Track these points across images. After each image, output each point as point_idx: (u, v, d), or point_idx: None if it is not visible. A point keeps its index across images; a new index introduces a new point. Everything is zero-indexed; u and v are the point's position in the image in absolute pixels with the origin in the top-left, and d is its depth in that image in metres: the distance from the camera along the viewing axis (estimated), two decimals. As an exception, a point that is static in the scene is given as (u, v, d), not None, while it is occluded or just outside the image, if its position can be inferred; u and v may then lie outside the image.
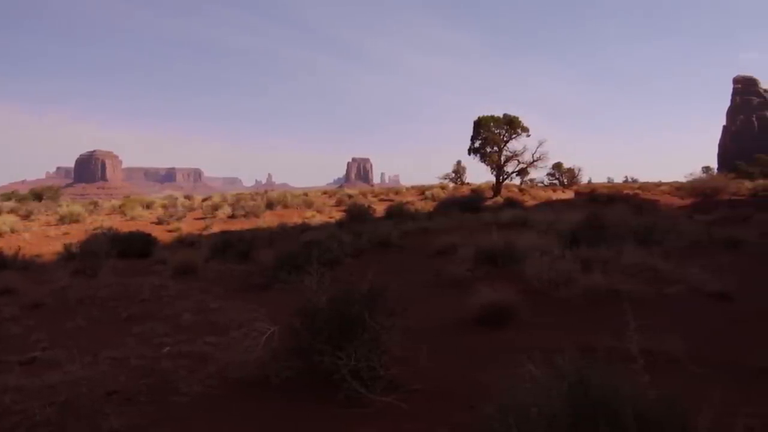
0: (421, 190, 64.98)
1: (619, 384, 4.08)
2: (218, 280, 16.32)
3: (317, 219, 42.64)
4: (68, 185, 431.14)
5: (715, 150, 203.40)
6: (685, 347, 7.55)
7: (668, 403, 4.01)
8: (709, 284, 11.51)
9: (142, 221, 40.70)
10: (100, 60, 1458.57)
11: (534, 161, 61.41)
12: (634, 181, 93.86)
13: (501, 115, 62.16)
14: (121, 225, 36.30)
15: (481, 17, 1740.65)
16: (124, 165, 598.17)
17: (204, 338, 9.69)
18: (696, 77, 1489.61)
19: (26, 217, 41.30)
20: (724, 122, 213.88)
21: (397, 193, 66.81)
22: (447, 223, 28.01)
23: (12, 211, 43.32)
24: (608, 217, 19.38)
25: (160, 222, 40.88)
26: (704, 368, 7.13)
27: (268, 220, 41.62)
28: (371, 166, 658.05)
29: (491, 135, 61.31)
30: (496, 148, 61.63)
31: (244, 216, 43.45)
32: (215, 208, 47.27)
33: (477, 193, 58.00)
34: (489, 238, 16.41)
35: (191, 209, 48.93)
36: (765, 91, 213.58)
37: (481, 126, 61.97)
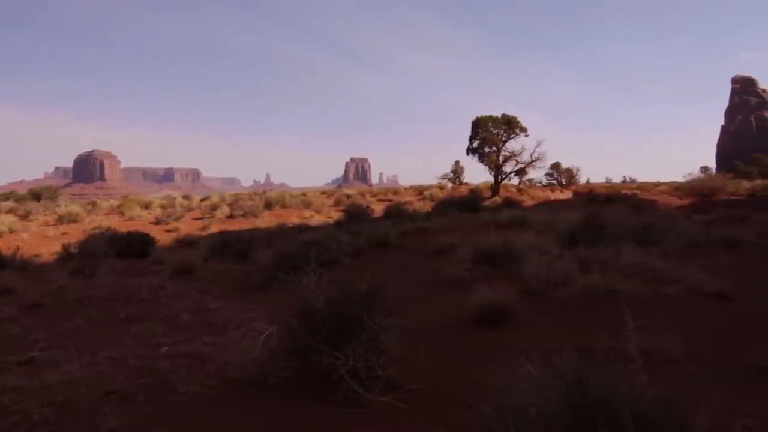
0: (420, 190, 64.91)
1: (617, 384, 4.08)
2: (217, 280, 16.32)
3: (316, 219, 42.65)
4: (66, 185, 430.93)
5: (714, 150, 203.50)
6: (683, 347, 7.56)
7: (667, 403, 4.01)
8: (707, 284, 11.52)
9: (140, 221, 40.67)
10: (98, 60, 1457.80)
11: (532, 161, 61.45)
12: (633, 181, 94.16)
13: (499, 115, 62.17)
14: (120, 225, 36.28)
15: (480, 17, 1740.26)
16: (123, 165, 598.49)
17: (202, 338, 9.69)
18: (695, 77, 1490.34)
19: (25, 217, 41.28)
20: (722, 122, 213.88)
21: (395, 193, 66.78)
22: (445, 223, 28.00)
23: (10, 211, 43.29)
24: (606, 217, 19.39)
25: (158, 222, 40.86)
26: (703, 368, 7.13)
27: (267, 220, 41.61)
28: (369, 166, 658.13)
29: (489, 135, 61.31)
30: (494, 148, 61.64)
31: (243, 216, 43.43)
32: (213, 208, 47.25)
33: (475, 193, 57.91)
34: (487, 238, 16.41)
35: (189, 209, 48.89)
36: (763, 91, 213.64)
37: (479, 126, 61.98)
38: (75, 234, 32.03)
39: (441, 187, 67.65)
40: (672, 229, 20.16)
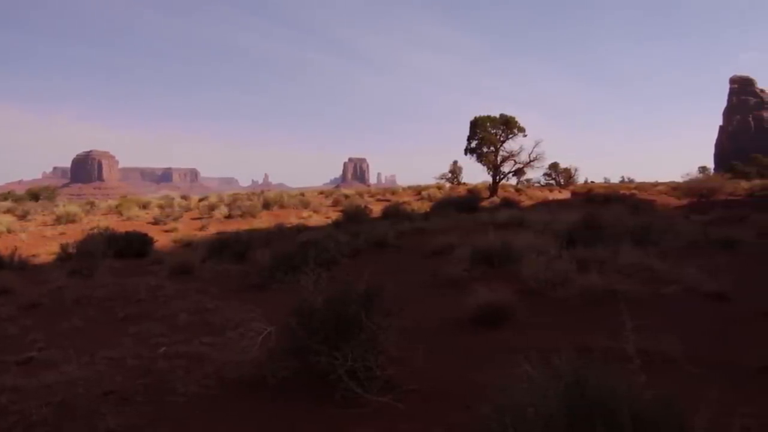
0: (418, 190, 64.80)
1: (615, 384, 4.08)
2: (215, 281, 16.30)
3: (314, 219, 42.60)
4: (65, 185, 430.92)
5: (712, 150, 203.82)
6: (681, 347, 7.56)
7: (665, 404, 4.01)
8: (705, 284, 11.51)
9: (138, 221, 40.58)
10: (97, 60, 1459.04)
11: (530, 161, 61.39)
12: (631, 181, 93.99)
13: (497, 115, 62.14)
14: (118, 225, 36.18)
15: (479, 17, 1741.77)
16: (121, 165, 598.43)
17: (200, 338, 9.69)
18: (693, 77, 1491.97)
19: (23, 217, 41.21)
20: (720, 122, 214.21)
21: (393, 193, 66.67)
22: (443, 223, 27.97)
23: (8, 211, 43.25)
24: (605, 217, 19.41)
25: (156, 222, 40.77)
26: (701, 368, 7.13)
27: (265, 220, 41.58)
28: (368, 166, 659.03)
29: (488, 135, 61.22)
30: (492, 148, 61.55)
31: (241, 216, 43.37)
32: (212, 208, 47.15)
33: (473, 194, 57.90)
34: (485, 238, 16.41)
35: (188, 209, 48.77)
36: (762, 91, 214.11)
37: (477, 126, 61.91)
38: (73, 234, 31.95)
39: (439, 187, 67.53)
40: (670, 229, 20.16)
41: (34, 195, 60.42)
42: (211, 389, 7.19)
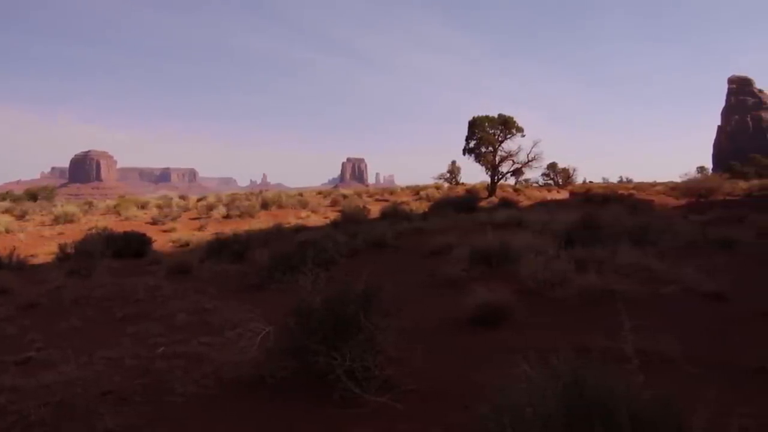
0: (416, 191, 64.78)
1: (614, 384, 4.08)
2: (213, 281, 16.29)
3: (312, 219, 42.59)
4: (63, 185, 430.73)
5: (710, 150, 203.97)
6: (680, 347, 7.57)
7: (663, 404, 4.02)
8: (704, 284, 11.51)
9: (136, 221, 40.55)
10: (95, 60, 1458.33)
11: (529, 161, 61.39)
12: (629, 181, 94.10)
13: (496, 115, 62.11)
14: (116, 225, 36.17)
15: (478, 17, 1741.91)
16: (119, 165, 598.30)
17: (199, 338, 9.69)
18: (692, 78, 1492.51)
19: (21, 217, 41.19)
20: (719, 122, 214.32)
21: (391, 193, 66.65)
22: (442, 223, 27.92)
23: (7, 211, 43.22)
24: (603, 217, 19.41)
25: (154, 222, 40.76)
26: (699, 368, 7.14)
27: (263, 220, 41.54)
28: (366, 166, 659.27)
29: (486, 135, 61.21)
30: (491, 148, 61.54)
31: (239, 216, 43.35)
32: (210, 208, 47.12)
33: (472, 194, 57.90)
34: (484, 238, 16.40)
35: (186, 209, 48.74)
36: (760, 91, 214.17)
37: (475, 126, 61.89)
38: (71, 234, 31.92)
39: (437, 187, 67.52)
40: (668, 229, 20.17)
41: (32, 195, 60.41)
42: (209, 389, 7.18)
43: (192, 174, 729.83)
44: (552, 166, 77.53)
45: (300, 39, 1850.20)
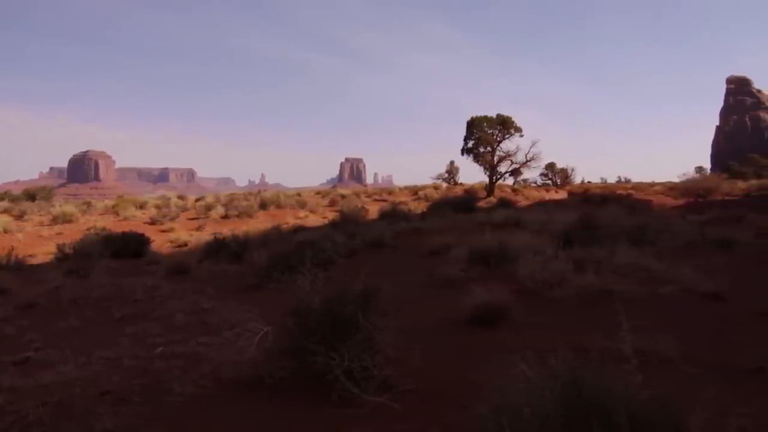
0: (414, 191, 64.72)
1: (612, 384, 4.09)
2: (211, 281, 16.27)
3: (311, 219, 42.55)
4: (61, 185, 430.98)
5: (708, 150, 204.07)
6: (678, 347, 7.58)
7: (661, 404, 4.02)
8: (702, 284, 11.53)
9: (135, 221, 40.50)
10: (93, 60, 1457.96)
11: (527, 161, 61.38)
12: (627, 181, 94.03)
13: (494, 116, 62.10)
14: (115, 225, 36.19)
15: (478, 17, 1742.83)
16: (117, 165, 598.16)
17: (197, 338, 9.68)
18: (691, 78, 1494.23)
19: (19, 217, 41.12)
20: (717, 122, 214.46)
21: (390, 193, 66.61)
22: (440, 223, 27.92)
23: (5, 211, 43.16)
24: (601, 217, 19.42)
25: (153, 222, 40.70)
26: (697, 368, 7.15)
27: (262, 220, 41.52)
28: (364, 166, 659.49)
29: (484, 135, 61.18)
30: (489, 149, 61.51)
31: (238, 216, 43.31)
32: (208, 208, 47.04)
33: (470, 194, 57.91)
34: (482, 238, 16.40)
35: (184, 209, 48.68)
36: (758, 91, 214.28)
37: (474, 126, 61.87)
38: (70, 234, 31.88)
39: (436, 188, 67.43)
40: (667, 229, 20.18)
41: (30, 195, 60.29)
42: (208, 389, 7.19)
43: (190, 174, 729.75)
44: (550, 166, 77.48)
45: (299, 39, 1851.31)
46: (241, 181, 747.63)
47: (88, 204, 53.03)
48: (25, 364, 8.77)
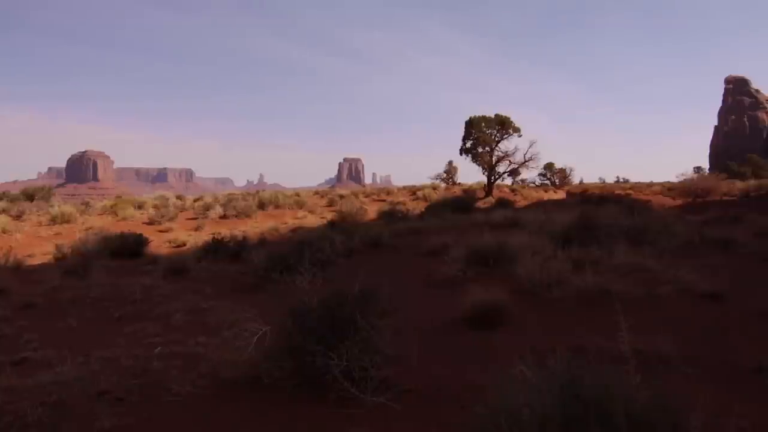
0: (413, 191, 64.72)
1: (610, 384, 4.09)
2: (210, 281, 16.26)
3: (309, 219, 42.52)
4: (60, 185, 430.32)
5: (707, 150, 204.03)
6: (676, 347, 7.59)
7: (660, 404, 4.02)
8: (700, 284, 11.53)
9: (133, 221, 40.43)
10: (92, 60, 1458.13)
11: (525, 161, 61.45)
12: (626, 181, 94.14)
13: (493, 116, 62.14)
14: (113, 225, 36.14)
15: (478, 18, 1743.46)
16: (116, 165, 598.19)
17: (195, 338, 9.68)
18: (690, 78, 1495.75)
19: (18, 217, 41.03)
20: (715, 122, 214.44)
21: (388, 193, 66.58)
22: (439, 223, 27.93)
23: (3, 211, 43.05)
24: (600, 217, 19.39)
25: (151, 222, 40.62)
26: (696, 368, 7.16)
27: (260, 220, 41.52)
28: (363, 166, 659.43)
29: (483, 135, 61.23)
30: (487, 149, 61.58)
31: (236, 216, 43.26)
32: (207, 208, 46.93)
33: (469, 194, 57.92)
34: (481, 238, 16.39)
35: (183, 209, 48.61)
36: (757, 91, 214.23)
37: (472, 126, 61.91)
38: (68, 234, 31.87)
39: (434, 188, 67.41)
40: (665, 229, 20.15)
41: (29, 195, 60.19)
42: (206, 389, 7.18)
43: (189, 174, 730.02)
44: (549, 167, 77.50)
45: (298, 39, 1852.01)
46: (240, 181, 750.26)
47: (87, 204, 53.00)
48: (23, 364, 8.75)
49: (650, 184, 72.39)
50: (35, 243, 30.14)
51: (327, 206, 51.69)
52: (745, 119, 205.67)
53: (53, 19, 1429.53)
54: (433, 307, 11.35)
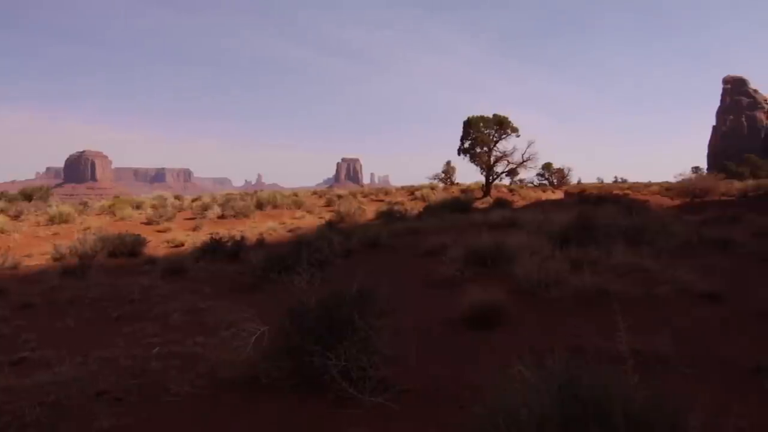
0: (411, 191, 64.71)
1: (609, 384, 4.09)
2: (208, 281, 16.25)
3: (307, 219, 42.50)
4: (58, 185, 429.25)
5: (705, 150, 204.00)
6: (674, 347, 7.59)
7: (658, 404, 4.02)
8: (698, 284, 11.52)
9: (131, 221, 40.39)
10: (91, 60, 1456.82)
11: (524, 161, 61.50)
12: (624, 181, 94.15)
13: (491, 116, 62.16)
14: (111, 225, 36.13)
15: (477, 18, 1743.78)
16: (114, 165, 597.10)
17: (194, 338, 9.68)
18: (689, 78, 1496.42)
19: (16, 217, 40.99)
20: (713, 122, 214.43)
21: (386, 193, 66.53)
22: (437, 223, 27.92)
23: (2, 211, 43.02)
24: (598, 217, 19.39)
25: (149, 222, 40.58)
26: (694, 368, 7.16)
27: (258, 220, 41.49)
28: (361, 166, 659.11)
29: (481, 135, 61.28)
30: (485, 149, 61.63)
31: (234, 216, 43.23)
32: (205, 208, 46.89)
33: (467, 194, 57.92)
34: (479, 238, 16.39)
35: (181, 209, 48.59)
36: (755, 91, 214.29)
37: (470, 126, 61.94)
38: (66, 234, 31.82)
39: (432, 188, 67.41)
40: (663, 229, 20.15)
41: (27, 195, 60.12)
42: (204, 389, 7.18)
43: (187, 174, 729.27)
44: (547, 167, 77.57)
45: (296, 39, 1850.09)
46: (238, 181, 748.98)
47: (85, 204, 52.97)
48: (21, 364, 8.75)
49: (648, 184, 72.44)
50: (33, 243, 30.11)
51: (325, 206, 51.66)
52: (743, 119, 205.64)
53: (53, 18, 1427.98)
54: (432, 308, 11.34)
